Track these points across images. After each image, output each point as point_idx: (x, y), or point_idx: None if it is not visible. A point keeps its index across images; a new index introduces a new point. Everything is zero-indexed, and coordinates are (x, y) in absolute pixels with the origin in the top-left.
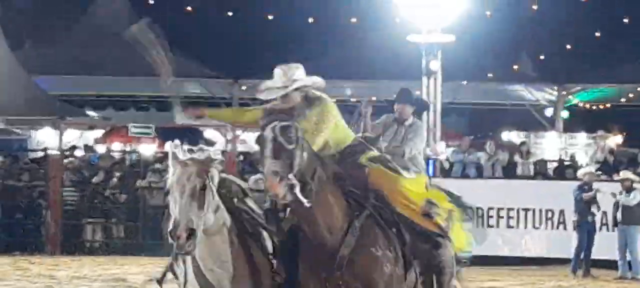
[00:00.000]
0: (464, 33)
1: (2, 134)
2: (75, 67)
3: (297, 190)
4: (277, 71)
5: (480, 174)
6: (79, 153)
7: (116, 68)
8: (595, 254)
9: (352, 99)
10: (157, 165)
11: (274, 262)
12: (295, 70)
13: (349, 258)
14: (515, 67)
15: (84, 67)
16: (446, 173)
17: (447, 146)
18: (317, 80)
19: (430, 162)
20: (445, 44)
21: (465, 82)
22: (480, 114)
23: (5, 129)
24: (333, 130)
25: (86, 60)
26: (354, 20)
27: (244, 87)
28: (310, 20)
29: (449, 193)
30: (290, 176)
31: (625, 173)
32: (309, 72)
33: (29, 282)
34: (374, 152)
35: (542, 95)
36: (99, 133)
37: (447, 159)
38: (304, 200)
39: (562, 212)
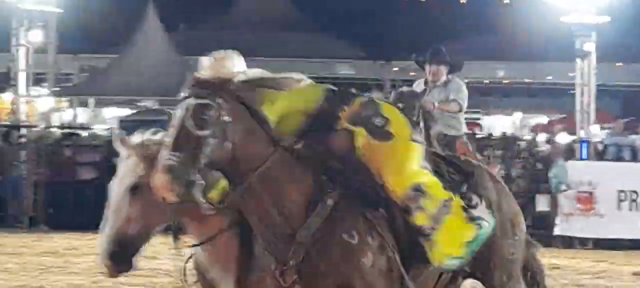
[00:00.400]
0: (619, 14)
1: (156, 115)
2: (231, 49)
3: (198, 191)
4: (205, 62)
5: (635, 157)
6: None
7: (268, 50)
8: None
9: (504, 81)
10: None
11: None
12: (226, 61)
13: (311, 246)
14: None
15: (236, 49)
16: (600, 156)
17: (601, 128)
18: (257, 72)
19: (584, 144)
20: (599, 25)
21: (619, 64)
22: (635, 96)
23: (159, 110)
24: (291, 97)
25: (238, 42)
26: (506, 1)
27: (395, 69)
28: (463, 0)
29: (453, 172)
30: (195, 175)
31: None
32: (460, 54)
33: (182, 260)
34: (360, 100)
35: None
36: None
37: (601, 142)
38: (205, 206)
39: None
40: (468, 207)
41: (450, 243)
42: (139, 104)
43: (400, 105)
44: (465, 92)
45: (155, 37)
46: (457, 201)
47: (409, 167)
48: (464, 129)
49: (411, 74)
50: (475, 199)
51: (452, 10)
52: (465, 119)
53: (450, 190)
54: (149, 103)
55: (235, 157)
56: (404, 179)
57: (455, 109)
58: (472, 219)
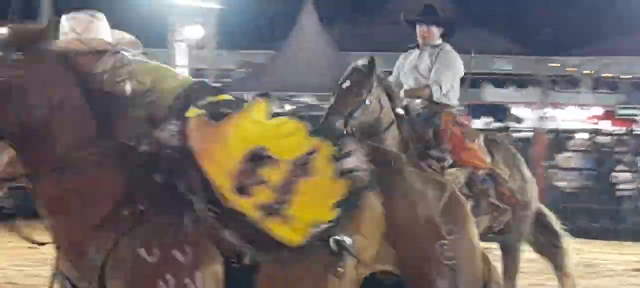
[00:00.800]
0: None
1: (314, 110)
2: (388, 45)
3: None
4: (65, 22)
5: None
6: None
7: None
8: None
9: None
10: None
11: None
12: (88, 23)
13: (105, 265)
14: None
15: (391, 45)
16: None
17: None
18: (125, 36)
19: None
20: None
21: None
22: None
23: (316, 105)
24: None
25: (394, 38)
26: None
27: (551, 64)
28: None
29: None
30: None
31: None
32: (620, 51)
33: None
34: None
35: None
36: None
37: None
38: None
39: None
40: (340, 156)
41: (312, 208)
42: (296, 99)
43: (349, 81)
44: (455, 66)
45: (312, 33)
46: (325, 151)
47: (244, 132)
48: (455, 100)
49: (568, 69)
50: (351, 146)
51: (607, 6)
52: (623, 115)
53: (320, 136)
54: (307, 99)
55: (32, 129)
56: (235, 151)
57: (426, 94)
58: (343, 173)
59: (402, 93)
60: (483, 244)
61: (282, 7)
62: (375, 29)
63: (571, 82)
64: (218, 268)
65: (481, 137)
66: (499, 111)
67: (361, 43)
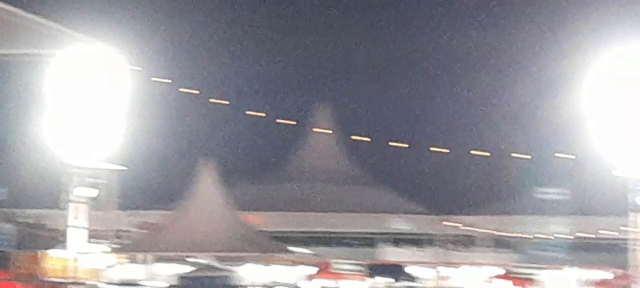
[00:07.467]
0: None
1: (208, 271)
2: (284, 204)
3: None
4: None
5: None
6: None
7: (324, 205)
8: None
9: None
10: None
11: None
12: None
13: None
14: None
15: (292, 202)
16: None
17: None
18: None
19: None
20: None
21: None
22: None
23: (211, 266)
24: None
25: (295, 196)
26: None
27: (448, 223)
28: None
29: None
30: None
31: None
32: (513, 211)
33: None
34: None
35: None
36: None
37: None
38: None
39: None
40: None
41: None
42: (194, 259)
43: None
44: None
45: (211, 192)
46: None
47: None
48: None
49: (465, 228)
50: None
51: (510, 168)
52: (520, 274)
53: None
54: (204, 260)
55: None
56: None
57: None
58: None
59: None
60: None
61: (182, 166)
62: (274, 188)
63: (468, 242)
64: None
65: None
66: (395, 270)
67: (261, 203)
